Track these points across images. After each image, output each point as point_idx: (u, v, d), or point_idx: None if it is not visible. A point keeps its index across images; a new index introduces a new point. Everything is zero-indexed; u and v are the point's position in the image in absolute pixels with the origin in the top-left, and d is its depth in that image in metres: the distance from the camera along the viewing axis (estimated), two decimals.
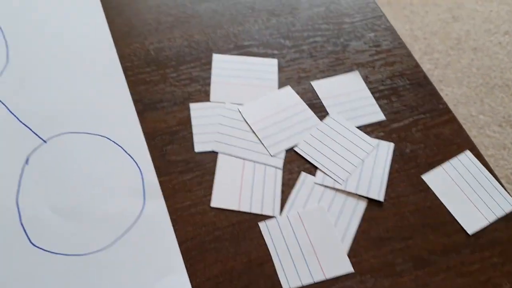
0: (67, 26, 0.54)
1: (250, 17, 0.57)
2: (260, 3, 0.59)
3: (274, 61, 0.54)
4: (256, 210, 0.45)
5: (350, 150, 0.48)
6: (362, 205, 0.46)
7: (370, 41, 0.57)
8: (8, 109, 0.48)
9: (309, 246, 0.43)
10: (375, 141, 0.49)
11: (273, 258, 0.42)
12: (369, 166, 0.48)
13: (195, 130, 0.48)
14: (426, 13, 1.50)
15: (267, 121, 0.49)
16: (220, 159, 0.47)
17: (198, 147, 0.48)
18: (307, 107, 0.51)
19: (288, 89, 0.52)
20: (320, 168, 0.47)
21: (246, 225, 0.44)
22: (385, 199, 0.46)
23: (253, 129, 0.49)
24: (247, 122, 0.49)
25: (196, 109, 0.50)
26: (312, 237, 0.43)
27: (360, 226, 0.45)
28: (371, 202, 0.46)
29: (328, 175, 0.47)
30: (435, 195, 0.47)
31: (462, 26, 1.46)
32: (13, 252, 0.41)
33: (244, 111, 0.50)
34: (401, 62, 0.55)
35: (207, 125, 0.49)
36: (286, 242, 0.43)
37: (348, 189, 0.46)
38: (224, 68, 0.53)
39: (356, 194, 0.46)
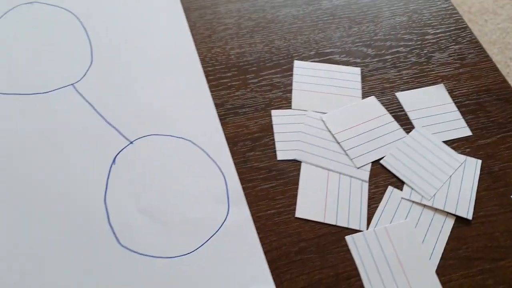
0: (150, 28, 0.54)
1: (331, 24, 0.56)
2: (341, 10, 0.58)
3: (357, 70, 0.53)
4: (342, 223, 0.44)
5: (437, 165, 0.47)
6: (450, 222, 0.44)
7: (454, 54, 0.55)
8: (95, 108, 0.48)
9: (396, 263, 0.42)
10: (462, 157, 0.48)
11: (360, 273, 0.41)
12: (456, 183, 0.46)
13: (277, 137, 0.48)
14: (485, 22, 1.46)
15: (352, 132, 0.48)
16: (304, 168, 0.46)
17: (281, 155, 0.47)
18: (392, 119, 0.50)
19: (372, 100, 0.51)
20: (407, 182, 0.46)
21: (332, 238, 0.43)
22: (473, 218, 0.45)
23: (337, 139, 0.48)
24: (330, 132, 0.48)
25: (278, 116, 0.49)
26: (399, 253, 0.42)
27: (447, 244, 0.43)
28: (459, 220, 0.45)
29: (415, 190, 0.45)
30: None
31: None
32: (102, 252, 0.41)
33: (328, 120, 0.49)
34: (487, 76, 0.54)
35: (289, 133, 0.48)
36: (373, 257, 0.42)
37: (435, 206, 0.45)
38: (306, 75, 0.52)
39: (444, 211, 0.45)
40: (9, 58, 0.51)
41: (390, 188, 0.46)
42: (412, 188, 0.46)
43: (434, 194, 0.45)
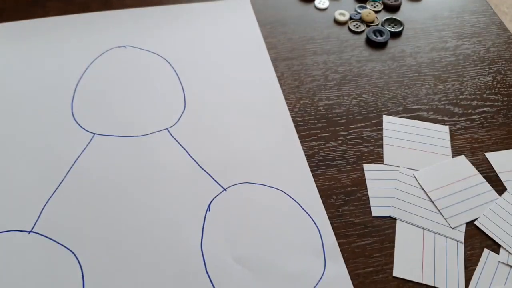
0: (240, 76, 0.56)
1: (417, 81, 0.57)
2: (425, 67, 0.58)
3: (446, 128, 0.53)
4: (440, 284, 0.43)
5: None
6: None
7: None
8: (189, 153, 0.49)
9: None
10: None
11: None
12: None
13: (371, 193, 0.48)
14: None
15: (445, 191, 0.48)
16: (399, 226, 0.46)
17: (375, 212, 0.47)
18: (484, 179, 0.49)
19: (462, 159, 0.50)
20: (504, 246, 0.45)
21: None
22: None
23: (431, 198, 0.47)
24: (423, 189, 0.48)
25: (371, 171, 0.49)
26: None
27: None
28: None
29: None
30: None
31: None
32: None
33: (420, 177, 0.49)
34: None
35: (382, 189, 0.48)
36: None
37: None
38: (395, 130, 0.52)
39: None
40: (104, 101, 0.52)
41: (486, 251, 0.45)
42: (510, 252, 0.45)
43: None
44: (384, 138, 0.52)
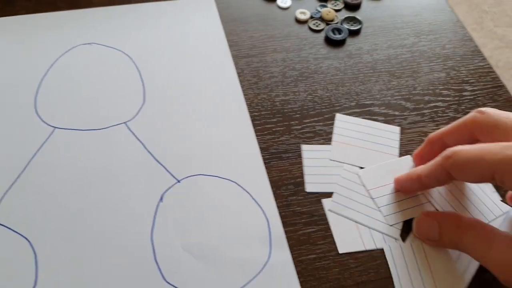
0: (200, 72, 0.58)
1: (372, 77, 0.59)
2: (381, 64, 0.60)
3: (397, 129, 0.54)
4: (380, 244, 0.46)
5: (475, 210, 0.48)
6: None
7: None
8: (145, 146, 0.51)
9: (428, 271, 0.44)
10: (505, 207, 0.49)
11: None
12: None
13: (306, 171, 0.50)
14: None
15: (386, 189, 0.50)
16: (334, 217, 0.48)
17: (310, 188, 0.49)
18: None
19: (407, 159, 0.52)
20: None
21: (371, 285, 0.44)
22: None
23: (371, 195, 0.49)
24: (365, 187, 0.50)
25: (309, 151, 0.51)
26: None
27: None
28: None
29: None
30: None
31: None
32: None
33: (363, 175, 0.50)
34: None
35: (318, 167, 0.51)
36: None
37: None
38: (346, 128, 0.54)
39: None
40: (67, 95, 0.54)
41: None
42: None
43: None
44: (333, 135, 0.53)
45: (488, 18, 1.55)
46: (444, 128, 0.47)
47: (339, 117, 0.55)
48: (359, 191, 0.50)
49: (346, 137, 0.53)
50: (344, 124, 0.54)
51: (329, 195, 0.49)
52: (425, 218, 0.45)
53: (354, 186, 0.50)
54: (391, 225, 0.47)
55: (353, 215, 0.48)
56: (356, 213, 0.48)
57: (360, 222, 0.47)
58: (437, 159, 0.43)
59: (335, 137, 0.53)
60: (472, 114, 0.44)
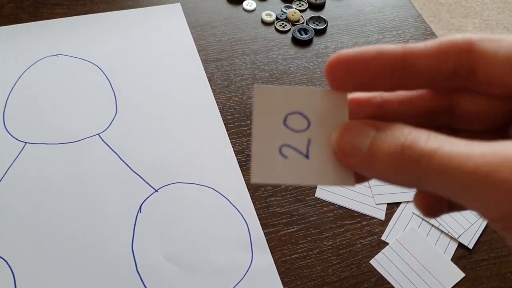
0: (171, 79, 0.57)
1: None
2: None
3: None
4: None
5: None
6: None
7: None
8: (120, 157, 0.50)
9: (420, 266, 0.46)
10: None
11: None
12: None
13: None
14: None
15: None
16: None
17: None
18: None
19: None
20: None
21: (353, 280, 0.45)
22: (486, 258, 0.47)
23: None
24: None
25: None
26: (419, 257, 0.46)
27: (462, 286, 0.45)
28: (472, 261, 0.47)
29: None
30: None
31: None
32: None
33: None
34: None
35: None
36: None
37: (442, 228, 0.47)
38: None
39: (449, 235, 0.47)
40: (36, 109, 0.53)
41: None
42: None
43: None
44: None
45: (444, 10, 1.60)
46: (408, 45, 0.22)
47: None
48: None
49: None
50: None
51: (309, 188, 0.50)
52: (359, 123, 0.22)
53: None
54: (377, 204, 0.49)
55: (338, 200, 0.49)
56: (341, 198, 0.50)
57: (345, 206, 0.49)
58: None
59: None
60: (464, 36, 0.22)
